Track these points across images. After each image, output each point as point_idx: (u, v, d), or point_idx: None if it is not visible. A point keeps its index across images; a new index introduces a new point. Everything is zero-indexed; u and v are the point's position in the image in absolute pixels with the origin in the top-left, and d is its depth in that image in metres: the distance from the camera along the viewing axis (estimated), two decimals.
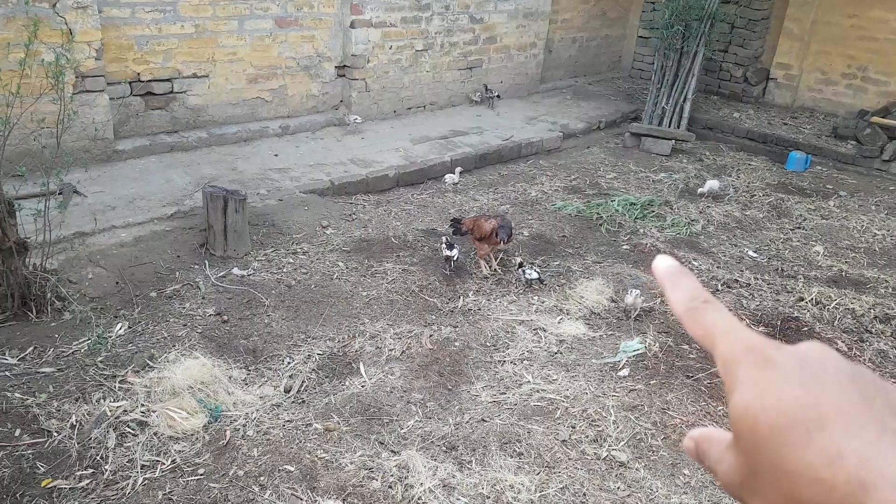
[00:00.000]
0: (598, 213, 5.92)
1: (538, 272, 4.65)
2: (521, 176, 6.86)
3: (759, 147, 7.84)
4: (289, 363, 3.63)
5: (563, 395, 3.58)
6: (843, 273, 5.12)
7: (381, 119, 7.57)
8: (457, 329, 4.13)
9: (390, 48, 7.42)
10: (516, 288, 4.55)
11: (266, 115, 6.83)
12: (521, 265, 4.64)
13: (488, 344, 4.01)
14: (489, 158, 7.08)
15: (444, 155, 6.81)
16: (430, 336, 4.02)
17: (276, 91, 6.84)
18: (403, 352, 3.84)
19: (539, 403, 3.51)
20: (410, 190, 6.29)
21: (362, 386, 3.53)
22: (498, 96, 8.30)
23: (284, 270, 4.54)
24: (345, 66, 7.24)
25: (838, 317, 4.44)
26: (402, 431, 3.23)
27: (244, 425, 3.17)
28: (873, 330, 4.33)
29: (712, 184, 6.34)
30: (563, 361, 3.89)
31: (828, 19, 8.58)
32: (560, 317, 4.34)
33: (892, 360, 4.05)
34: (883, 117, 7.72)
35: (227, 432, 3.11)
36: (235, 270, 4.41)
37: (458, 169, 5.40)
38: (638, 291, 4.34)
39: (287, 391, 3.41)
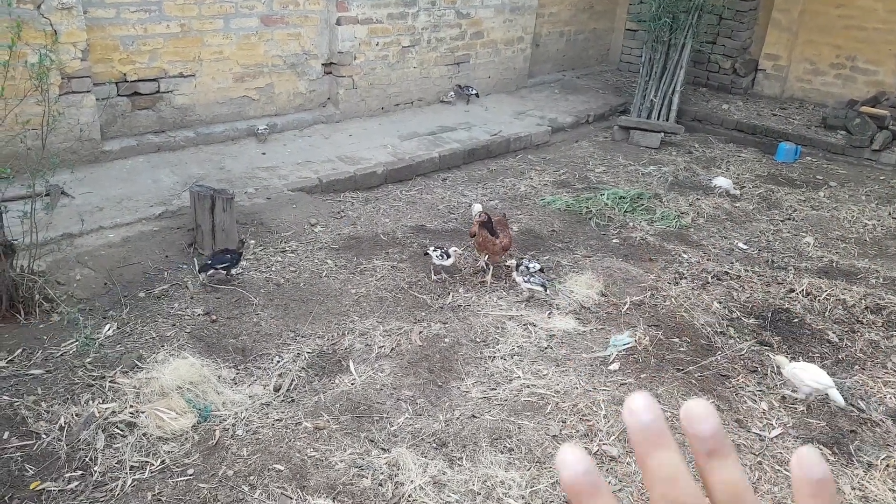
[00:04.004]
0: (587, 208, 5.92)
1: (539, 264, 4.66)
2: (510, 171, 6.85)
3: (748, 139, 7.85)
4: (278, 362, 3.62)
5: (553, 390, 3.58)
6: (834, 264, 5.13)
7: (369, 116, 7.54)
8: (446, 325, 4.12)
9: (377, 45, 7.39)
10: (523, 279, 4.49)
11: (253, 114, 6.80)
12: (518, 265, 4.63)
13: (478, 340, 4.01)
14: (477, 154, 7.07)
15: (432, 151, 6.80)
16: (420, 333, 4.01)
17: (262, 89, 6.80)
18: (393, 349, 3.83)
19: (529, 399, 3.51)
20: (399, 186, 6.27)
21: (352, 384, 3.52)
22: (476, 94, 8.26)
23: (273, 269, 4.52)
24: (332, 63, 7.21)
25: (829, 308, 4.45)
26: (393, 429, 3.22)
27: (233, 425, 3.16)
28: (864, 321, 4.34)
29: (723, 181, 6.31)
30: (553, 356, 3.89)
31: (815, 9, 8.59)
32: (550, 311, 4.34)
33: (883, 351, 4.06)
34: (872, 106, 7.74)
35: (217, 432, 3.10)
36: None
37: (478, 206, 5.39)
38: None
39: (276, 390, 3.40)
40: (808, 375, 3.50)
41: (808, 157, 7.42)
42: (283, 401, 3.34)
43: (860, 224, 5.86)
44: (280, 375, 3.51)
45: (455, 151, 6.90)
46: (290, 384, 3.45)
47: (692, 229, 5.66)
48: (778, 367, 3.68)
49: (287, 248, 4.79)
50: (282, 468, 2.93)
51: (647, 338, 4.03)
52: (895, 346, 4.09)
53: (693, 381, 3.70)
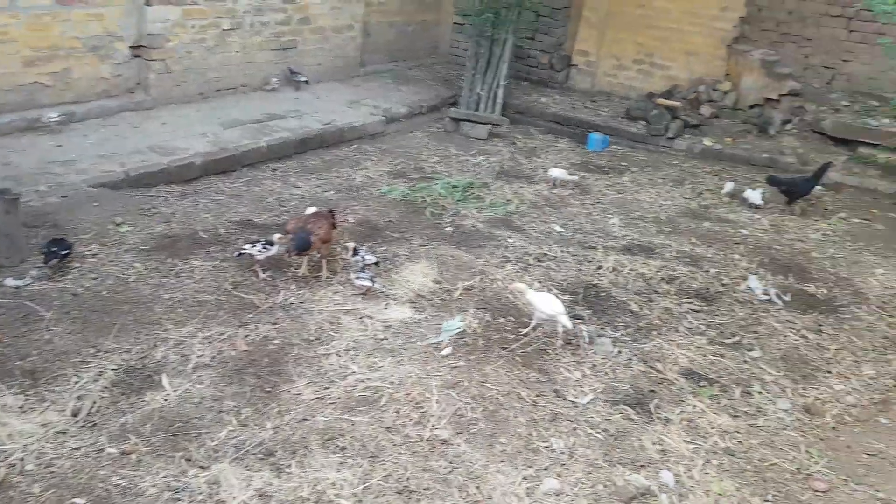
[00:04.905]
0: (422, 197, 6.00)
1: (375, 257, 4.60)
2: (346, 161, 6.75)
3: (564, 130, 8.41)
4: (76, 383, 3.23)
5: (388, 381, 3.57)
6: (635, 241, 5.65)
7: (186, 102, 7.02)
8: (276, 326, 3.95)
9: (192, 27, 6.89)
10: (355, 273, 4.41)
11: (47, 102, 6.03)
12: (355, 250, 4.56)
13: (311, 338, 3.89)
14: (310, 143, 6.87)
15: (259, 140, 6.49)
16: (246, 337, 3.81)
17: (58, 74, 6.06)
18: (214, 357, 3.61)
19: (364, 393, 3.47)
20: (222, 179, 5.92)
21: (165, 400, 3.24)
22: (306, 81, 8.03)
23: (69, 277, 4.03)
24: (141, 46, 6.60)
25: (631, 281, 4.89)
26: (213, 444, 3.01)
27: (22, 459, 2.77)
28: (660, 290, 4.83)
29: (558, 172, 6.64)
30: (389, 347, 3.89)
31: (620, 9, 9.34)
32: (386, 302, 4.33)
33: (676, 317, 4.53)
34: (667, 99, 8.64)
35: (1, 470, 2.69)
36: (9, 281, 3.85)
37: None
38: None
39: (74, 415, 3.03)
40: (541, 303, 3.97)
41: (615, 145, 8.10)
42: (82, 426, 2.99)
43: (657, 205, 6.51)
44: (79, 398, 3.13)
45: (285, 140, 6.65)
46: (91, 407, 3.09)
47: (516, 215, 5.94)
48: (519, 291, 4.14)
49: (87, 253, 4.29)
50: (82, 502, 2.61)
51: (477, 320, 4.17)
52: (686, 312, 4.60)
53: (517, 357, 3.88)
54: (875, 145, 7.44)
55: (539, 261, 5.09)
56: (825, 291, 5.00)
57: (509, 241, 5.38)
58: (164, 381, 3.36)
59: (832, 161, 6.85)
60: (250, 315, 4.01)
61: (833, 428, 3.64)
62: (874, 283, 5.19)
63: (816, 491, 3.18)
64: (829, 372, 4.09)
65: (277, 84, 7.86)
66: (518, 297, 4.27)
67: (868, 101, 8.25)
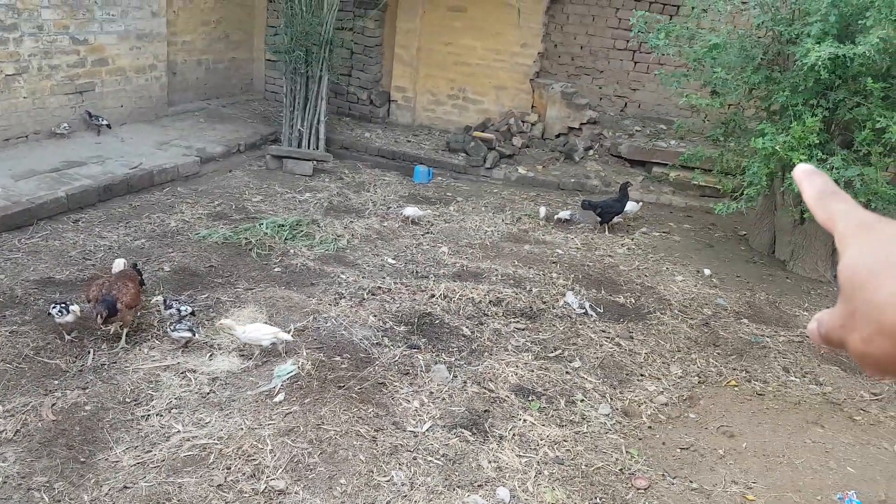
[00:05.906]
0: (246, 238, 5.81)
1: (190, 307, 4.36)
2: (158, 206, 6.35)
3: (390, 163, 8.64)
4: None
5: (216, 437, 3.39)
6: (465, 267, 5.92)
7: None
8: (87, 391, 3.61)
9: None
10: (171, 325, 4.14)
11: None
12: (166, 302, 4.29)
13: (128, 400, 3.61)
14: (116, 189, 6.39)
15: (57, 190, 5.91)
16: (53, 405, 3.45)
17: None
18: (18, 431, 3.24)
19: (191, 452, 3.27)
20: (16, 234, 5.34)
21: None
22: (108, 125, 7.50)
23: None
24: None
25: (462, 306, 5.11)
26: None
27: None
28: (489, 313, 5.09)
29: (411, 210, 6.73)
30: (216, 401, 3.69)
31: (430, 46, 9.81)
32: (210, 353, 4.12)
33: (504, 336, 4.79)
34: (482, 131, 9.23)
35: None
36: None
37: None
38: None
39: None
40: (262, 332, 4.13)
41: (439, 177, 8.47)
42: None
43: (482, 231, 6.88)
44: None
45: (87, 188, 6.12)
46: None
47: (348, 250, 5.96)
48: (228, 329, 4.19)
49: None
50: None
51: (310, 362, 4.10)
52: (512, 331, 4.89)
53: (353, 394, 3.87)
54: (665, 164, 8.23)
55: (374, 294, 5.14)
56: (633, 301, 5.42)
57: (342, 276, 5.38)
58: None
59: (630, 181, 7.66)
60: (57, 381, 3.64)
61: (649, 427, 3.86)
62: (675, 290, 5.70)
63: (639, 489, 3.39)
64: (643, 375, 4.40)
65: (67, 129, 7.21)
66: (231, 333, 4.19)
67: (657, 125, 9.22)
